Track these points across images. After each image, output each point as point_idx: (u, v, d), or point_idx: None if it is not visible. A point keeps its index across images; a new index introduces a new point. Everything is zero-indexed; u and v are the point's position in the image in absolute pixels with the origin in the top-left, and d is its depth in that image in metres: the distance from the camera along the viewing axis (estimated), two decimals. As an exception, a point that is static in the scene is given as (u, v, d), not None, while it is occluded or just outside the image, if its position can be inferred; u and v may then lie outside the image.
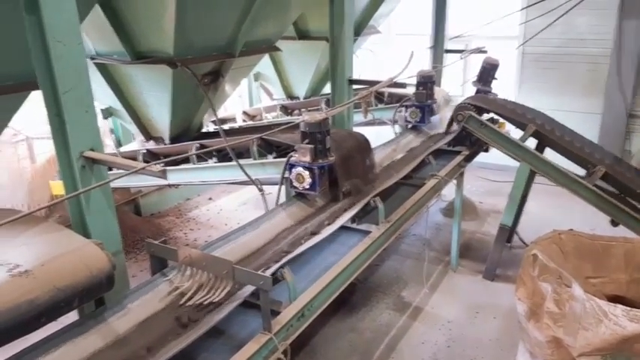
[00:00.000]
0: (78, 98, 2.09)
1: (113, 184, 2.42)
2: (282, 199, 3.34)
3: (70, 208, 2.18)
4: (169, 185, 4.57)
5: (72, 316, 2.08)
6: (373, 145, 3.82)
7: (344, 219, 3.04)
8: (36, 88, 2.68)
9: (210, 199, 7.34)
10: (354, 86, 4.87)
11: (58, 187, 4.88)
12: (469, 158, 4.83)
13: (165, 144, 4.31)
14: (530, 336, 3.05)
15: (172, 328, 2.10)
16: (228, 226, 6.23)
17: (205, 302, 2.16)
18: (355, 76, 4.69)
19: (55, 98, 2.04)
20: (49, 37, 1.95)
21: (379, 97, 5.85)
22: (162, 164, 2.04)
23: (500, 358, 3.79)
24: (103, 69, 3.99)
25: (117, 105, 4.31)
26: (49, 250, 1.93)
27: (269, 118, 6.19)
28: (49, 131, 2.13)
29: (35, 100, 2.83)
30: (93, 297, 2.00)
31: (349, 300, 4.56)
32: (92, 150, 2.14)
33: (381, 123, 5.43)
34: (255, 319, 2.36)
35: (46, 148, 5.67)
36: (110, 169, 2.28)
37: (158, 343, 1.99)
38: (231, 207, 7.03)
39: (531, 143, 4.52)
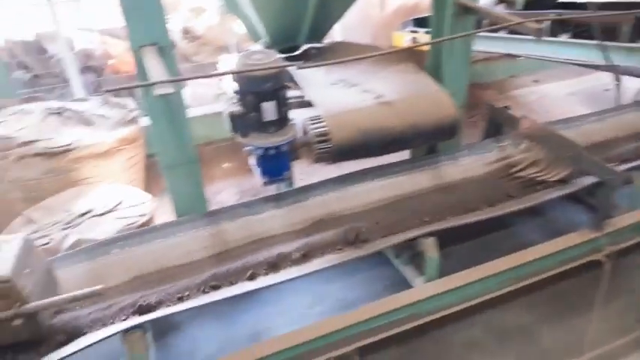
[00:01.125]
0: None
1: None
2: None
3: (430, 54, 2.27)
4: (509, 55, 4.32)
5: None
6: None
7: None
8: None
9: (535, 81, 6.77)
10: None
11: (398, 40, 5.17)
12: None
13: (516, 10, 4.00)
14: None
15: (493, 194, 2.10)
16: (551, 114, 5.72)
17: (536, 179, 2.08)
18: None
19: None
20: None
21: None
22: (541, 22, 1.87)
23: None
24: None
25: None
26: (408, 88, 2.09)
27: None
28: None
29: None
30: (434, 140, 2.14)
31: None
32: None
33: None
34: (580, 215, 2.19)
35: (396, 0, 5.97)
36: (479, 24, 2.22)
37: (478, 201, 2.04)
38: (558, 95, 6.36)
39: None
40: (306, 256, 1.76)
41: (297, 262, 1.75)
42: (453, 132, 2.03)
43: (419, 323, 1.78)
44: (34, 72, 5.21)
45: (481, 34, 3.49)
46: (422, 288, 1.80)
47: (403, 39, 4.75)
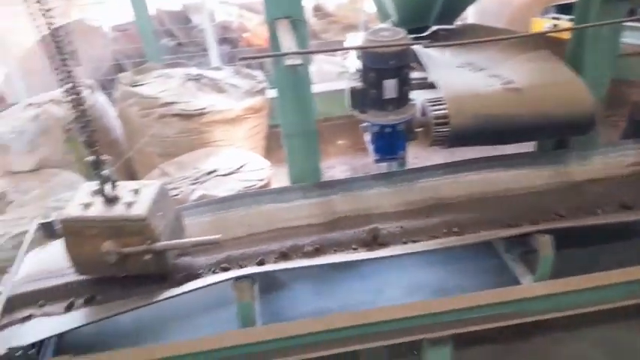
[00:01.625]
0: None
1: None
2: None
3: (571, 42, 2.11)
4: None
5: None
6: None
7: None
8: None
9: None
10: None
11: (538, 26, 4.82)
12: None
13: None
14: None
15: (623, 199, 1.90)
16: None
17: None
18: None
19: None
20: None
21: None
22: None
23: None
24: None
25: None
26: (541, 75, 1.97)
27: None
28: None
29: None
30: (565, 134, 2.00)
31: None
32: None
33: None
34: None
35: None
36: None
37: (605, 204, 1.87)
38: None
39: None
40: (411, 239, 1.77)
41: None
42: (587, 127, 1.88)
43: (520, 322, 1.70)
44: (179, 40, 5.70)
45: (633, 24, 3.12)
46: (530, 286, 1.72)
47: (543, 25, 4.41)
